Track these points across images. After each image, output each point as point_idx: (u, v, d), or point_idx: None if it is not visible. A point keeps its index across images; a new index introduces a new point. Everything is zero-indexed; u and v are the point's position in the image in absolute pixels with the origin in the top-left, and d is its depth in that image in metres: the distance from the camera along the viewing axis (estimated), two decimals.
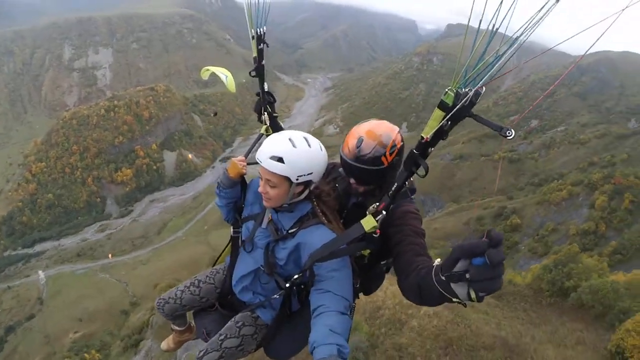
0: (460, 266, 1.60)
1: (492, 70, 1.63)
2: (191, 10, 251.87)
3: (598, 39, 1.36)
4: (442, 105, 1.76)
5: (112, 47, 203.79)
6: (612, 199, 72.91)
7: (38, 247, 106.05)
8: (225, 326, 3.07)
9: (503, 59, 1.62)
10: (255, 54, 3.34)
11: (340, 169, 2.96)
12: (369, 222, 2.28)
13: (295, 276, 2.56)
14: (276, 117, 3.58)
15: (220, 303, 3.40)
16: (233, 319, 3.09)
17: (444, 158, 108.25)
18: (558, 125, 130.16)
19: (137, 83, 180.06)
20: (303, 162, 2.50)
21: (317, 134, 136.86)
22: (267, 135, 3.08)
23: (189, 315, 3.80)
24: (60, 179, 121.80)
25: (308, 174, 2.54)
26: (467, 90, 1.70)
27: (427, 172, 2.00)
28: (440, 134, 1.84)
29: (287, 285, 2.62)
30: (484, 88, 1.67)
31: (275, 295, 2.79)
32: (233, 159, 3.00)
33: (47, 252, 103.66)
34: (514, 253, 63.73)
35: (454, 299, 1.68)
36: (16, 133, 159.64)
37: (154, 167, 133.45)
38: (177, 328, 3.94)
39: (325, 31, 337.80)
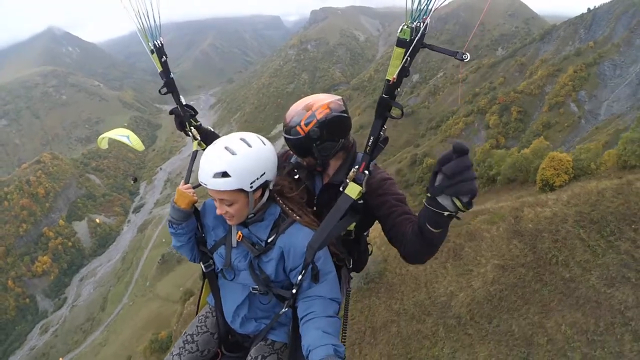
0: (438, 179, 1.73)
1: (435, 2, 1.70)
2: (50, 65, 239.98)
3: None
4: (401, 42, 1.81)
5: None
6: (502, 115, 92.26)
7: None
8: None
9: None
10: (160, 68, 2.95)
11: (294, 158, 2.86)
12: (353, 189, 2.23)
13: (299, 277, 2.36)
14: (201, 126, 3.21)
15: (224, 347, 3.00)
16: (250, 357, 2.73)
17: None
18: (436, 72, 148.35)
19: (19, 162, 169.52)
20: (250, 167, 2.28)
21: None
22: (202, 150, 2.64)
23: None
24: None
25: (261, 176, 2.32)
26: (418, 23, 1.78)
27: (403, 112, 2.04)
28: (403, 71, 1.87)
29: (294, 291, 2.41)
30: (429, 19, 1.75)
31: (282, 311, 2.51)
32: (178, 188, 2.66)
33: None
34: None
35: (445, 212, 1.77)
36: None
37: (69, 244, 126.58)
38: None
39: (193, 49, 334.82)
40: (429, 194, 1.79)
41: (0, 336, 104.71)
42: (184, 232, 2.71)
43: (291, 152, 2.78)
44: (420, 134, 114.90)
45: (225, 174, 2.20)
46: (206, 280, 3.00)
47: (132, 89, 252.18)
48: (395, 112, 2.05)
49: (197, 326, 3.01)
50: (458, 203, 1.71)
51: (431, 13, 1.72)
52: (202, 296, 3.16)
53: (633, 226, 16.26)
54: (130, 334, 78.77)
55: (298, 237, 2.41)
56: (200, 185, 2.49)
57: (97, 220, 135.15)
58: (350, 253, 2.82)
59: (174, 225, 2.68)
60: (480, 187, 22.39)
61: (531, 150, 41.40)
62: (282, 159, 2.91)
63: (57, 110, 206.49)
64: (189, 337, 2.96)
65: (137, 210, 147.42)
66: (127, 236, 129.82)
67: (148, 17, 2.75)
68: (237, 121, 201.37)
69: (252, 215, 2.47)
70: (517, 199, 19.54)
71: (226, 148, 2.25)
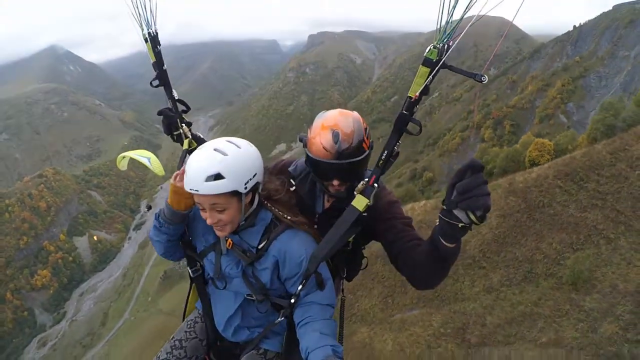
0: (454, 193, 1.73)
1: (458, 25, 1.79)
2: (52, 83, 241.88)
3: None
4: (427, 62, 1.88)
5: None
6: (496, 129, 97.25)
7: None
8: None
9: (468, 15, 1.70)
10: (153, 58, 2.84)
11: (292, 168, 2.84)
12: (361, 201, 2.25)
13: (299, 287, 2.34)
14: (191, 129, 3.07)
15: (213, 354, 2.96)
16: None
17: None
18: (432, 92, 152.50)
19: (18, 176, 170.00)
20: (243, 167, 2.21)
21: None
22: (192, 151, 2.60)
23: None
24: None
25: (253, 176, 2.26)
26: (444, 44, 1.86)
27: (421, 129, 2.11)
28: (425, 90, 1.94)
29: (293, 301, 2.38)
30: (452, 42, 1.85)
31: (278, 320, 2.49)
32: (172, 183, 2.43)
33: None
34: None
35: (460, 224, 1.78)
36: None
37: (70, 259, 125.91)
38: None
39: (192, 72, 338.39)
40: (444, 207, 1.82)
41: None
42: (167, 233, 2.55)
43: (292, 163, 2.88)
44: (418, 151, 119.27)
45: (218, 176, 2.11)
46: (193, 285, 2.95)
47: (132, 110, 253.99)
48: (413, 129, 2.13)
49: (185, 331, 2.94)
50: (472, 217, 1.73)
51: (458, 39, 1.84)
52: (189, 301, 3.11)
53: (596, 171, 22.75)
54: (133, 348, 77.56)
55: (293, 245, 2.37)
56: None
57: (95, 238, 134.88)
58: (344, 263, 2.85)
59: (162, 222, 2.50)
60: None
61: (521, 144, 49.48)
62: (280, 164, 2.95)
63: (58, 127, 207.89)
64: (177, 342, 2.90)
65: (138, 227, 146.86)
66: (128, 252, 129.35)
67: (145, 7, 2.74)
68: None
69: (243, 221, 2.40)
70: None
71: (216, 150, 2.17)
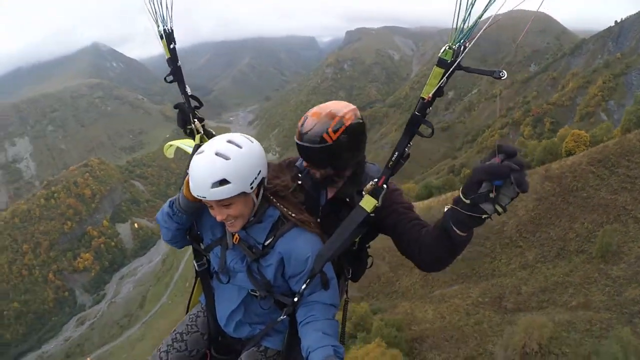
0: (484, 187, 1.69)
1: (476, 27, 1.76)
2: (96, 78, 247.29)
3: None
4: (442, 63, 1.85)
5: (27, 135, 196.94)
6: (535, 126, 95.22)
7: None
8: None
9: (485, 16, 1.69)
10: (168, 55, 2.92)
11: (299, 162, 2.85)
12: (369, 202, 2.23)
13: (304, 285, 2.34)
14: (205, 125, 3.09)
15: (214, 349, 2.95)
16: None
17: (384, 148, 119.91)
18: (471, 89, 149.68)
19: (63, 166, 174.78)
20: (246, 168, 2.21)
21: None
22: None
23: None
24: (20, 284, 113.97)
25: (258, 174, 2.27)
26: (459, 45, 1.82)
27: (433, 131, 2.06)
28: (438, 91, 1.91)
29: (296, 299, 2.38)
30: (468, 42, 1.82)
31: (281, 318, 2.50)
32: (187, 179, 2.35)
33: None
34: None
35: (484, 216, 1.75)
36: None
37: (112, 244, 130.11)
38: None
39: (231, 68, 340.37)
40: (468, 200, 1.75)
41: (36, 325, 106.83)
42: (178, 222, 2.56)
43: (299, 159, 2.84)
44: (456, 148, 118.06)
45: (223, 182, 2.12)
46: (198, 279, 2.96)
47: (172, 104, 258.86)
48: (424, 130, 2.08)
49: (187, 325, 2.94)
50: (500, 209, 1.69)
51: (474, 40, 1.79)
52: (193, 294, 3.11)
53: (626, 158, 24.22)
54: (168, 330, 79.28)
55: (299, 243, 2.37)
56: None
57: (137, 225, 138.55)
58: (350, 263, 2.82)
59: (175, 210, 2.50)
60: None
61: (558, 137, 50.97)
62: (285, 163, 2.97)
63: (102, 120, 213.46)
64: (178, 335, 2.89)
65: None
66: None
67: (161, 4, 2.78)
68: (275, 137, 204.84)
69: (252, 217, 2.40)
70: None
71: (217, 154, 2.15)
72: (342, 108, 2.50)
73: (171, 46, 2.88)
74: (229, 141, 2.22)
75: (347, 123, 2.44)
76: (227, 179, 2.10)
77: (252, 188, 2.21)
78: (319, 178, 2.61)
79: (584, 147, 37.85)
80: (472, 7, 1.68)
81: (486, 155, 1.72)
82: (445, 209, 1.97)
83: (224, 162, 2.12)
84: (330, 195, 2.73)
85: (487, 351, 18.19)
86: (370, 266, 2.97)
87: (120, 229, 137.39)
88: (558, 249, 24.32)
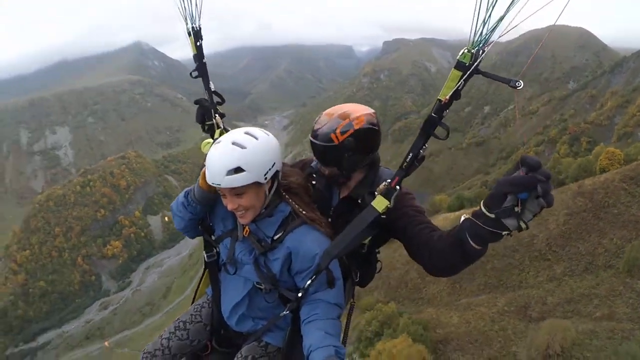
0: (509, 200, 1.63)
1: (496, 31, 1.73)
2: (137, 75, 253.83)
3: (561, 13, 1.54)
4: (460, 65, 1.84)
5: (68, 124, 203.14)
6: (572, 145, 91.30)
7: (41, 339, 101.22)
8: None
9: (506, 19, 1.67)
10: (194, 51, 3.02)
11: (314, 163, 2.86)
12: (381, 203, 2.21)
13: (309, 282, 2.34)
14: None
15: (215, 341, 2.98)
16: (239, 356, 2.69)
17: None
18: (507, 105, 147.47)
19: (101, 156, 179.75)
20: (262, 158, 2.26)
21: None
22: None
23: None
24: (49, 264, 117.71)
25: (272, 166, 2.31)
26: (478, 49, 1.81)
27: (448, 133, 2.04)
28: (455, 94, 1.90)
29: (300, 295, 2.38)
30: (487, 47, 1.80)
31: (283, 313, 2.49)
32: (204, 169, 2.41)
33: (52, 342, 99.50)
34: None
35: (504, 232, 1.70)
36: None
37: (142, 234, 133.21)
38: None
39: (269, 73, 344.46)
40: (492, 215, 1.69)
41: (59, 305, 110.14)
42: (192, 212, 2.60)
43: (314, 160, 2.86)
44: (490, 164, 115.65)
45: (238, 170, 2.16)
46: (206, 270, 2.98)
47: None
48: (440, 132, 2.05)
49: (191, 314, 2.96)
50: (524, 226, 1.64)
51: (490, 45, 1.78)
52: (200, 285, 3.15)
53: None
54: None
55: (307, 240, 2.38)
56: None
57: (167, 218, 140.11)
58: (358, 266, 2.81)
59: (190, 200, 2.56)
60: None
61: (593, 154, 50.78)
62: (300, 164, 2.99)
63: (142, 116, 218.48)
64: (181, 323, 2.92)
65: None
66: None
67: (191, 1, 2.87)
68: (309, 143, 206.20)
69: (263, 210, 2.43)
70: None
71: (234, 143, 2.21)
72: (357, 111, 2.55)
73: (198, 43, 3.01)
74: (247, 132, 2.29)
75: (356, 127, 2.48)
76: (242, 167, 2.16)
77: (265, 179, 2.28)
78: (327, 176, 2.68)
79: (618, 165, 37.70)
80: (491, 10, 1.64)
81: (510, 168, 1.66)
82: (462, 219, 1.96)
83: (240, 150, 2.18)
84: (342, 195, 2.76)
85: (511, 353, 18.51)
86: (379, 271, 3.01)
87: (151, 221, 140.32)
88: (586, 263, 24.39)
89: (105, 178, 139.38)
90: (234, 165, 2.15)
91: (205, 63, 3.06)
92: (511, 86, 1.73)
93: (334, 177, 2.64)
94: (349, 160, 2.54)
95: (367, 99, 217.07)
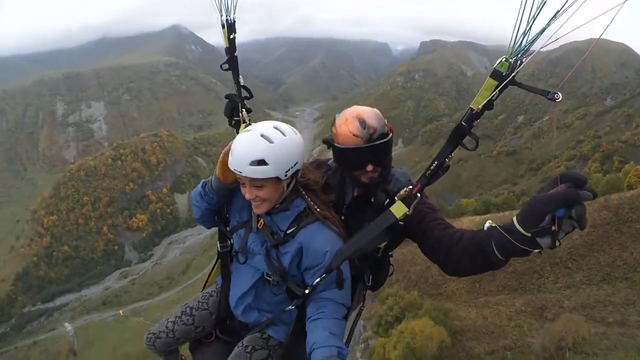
0: (547, 220, 1.53)
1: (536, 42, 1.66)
2: (175, 58, 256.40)
3: (608, 26, 1.42)
4: (496, 75, 1.76)
5: (103, 99, 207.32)
6: (604, 163, 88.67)
7: (59, 301, 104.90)
8: (233, 354, 2.68)
9: (547, 31, 1.60)
10: (227, 44, 2.99)
11: (330, 162, 2.84)
12: (400, 209, 2.15)
13: (317, 279, 2.31)
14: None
15: (219, 329, 3.00)
16: (240, 345, 2.69)
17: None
18: (542, 116, 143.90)
19: (133, 132, 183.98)
20: (286, 156, 2.25)
21: None
22: None
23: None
24: (74, 230, 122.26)
25: (294, 165, 2.30)
26: (516, 59, 1.74)
27: (477, 144, 1.95)
28: (488, 104, 1.83)
29: (307, 292, 2.37)
30: (525, 58, 1.73)
31: (289, 308, 2.51)
32: (222, 158, 2.42)
33: (69, 304, 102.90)
34: None
35: (536, 250, 1.65)
36: (17, 191, 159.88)
37: (168, 211, 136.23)
38: None
39: (303, 64, 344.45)
40: (529, 234, 1.58)
41: (80, 270, 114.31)
42: (209, 202, 2.62)
43: (329, 160, 2.86)
44: (519, 174, 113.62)
45: (262, 162, 2.16)
46: (218, 260, 2.98)
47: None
48: (469, 143, 1.99)
49: (199, 301, 2.99)
50: (558, 244, 1.56)
51: (530, 56, 1.71)
52: (212, 274, 3.16)
53: None
54: None
55: (319, 237, 2.38)
56: None
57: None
58: (370, 269, 2.77)
59: (207, 190, 2.57)
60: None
61: (623, 172, 51.56)
62: (315, 163, 2.93)
63: (176, 97, 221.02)
64: (188, 309, 2.96)
65: None
66: None
67: None
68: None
69: (280, 203, 2.43)
70: None
71: (263, 135, 2.20)
72: (366, 107, 2.58)
73: (231, 36, 2.97)
74: (275, 127, 2.28)
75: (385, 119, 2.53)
76: (266, 160, 2.17)
77: (286, 176, 2.28)
78: (379, 177, 2.54)
79: None
80: (532, 23, 1.61)
81: (547, 184, 1.61)
82: (486, 226, 1.90)
83: (267, 144, 2.18)
84: (356, 194, 2.73)
85: (525, 344, 19.38)
86: (391, 274, 3.00)
87: (177, 199, 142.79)
88: (604, 274, 24.99)
89: (136, 153, 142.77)
90: (259, 157, 2.16)
91: (236, 57, 3.05)
92: (549, 98, 1.66)
93: (376, 179, 2.54)
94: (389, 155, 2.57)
95: (400, 98, 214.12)
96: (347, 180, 2.69)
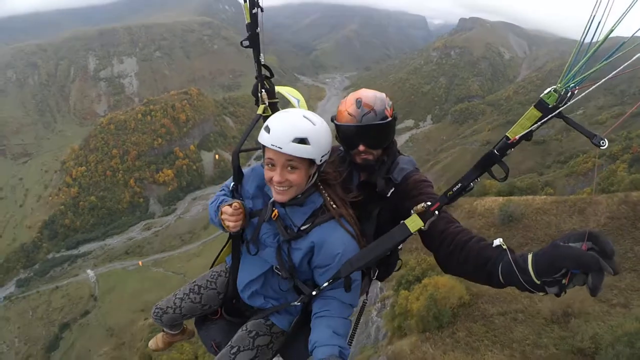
0: (561, 273, 1.52)
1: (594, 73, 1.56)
2: (207, 17, 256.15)
3: None
4: (541, 106, 1.64)
5: (135, 56, 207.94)
6: (632, 166, 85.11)
7: (83, 248, 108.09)
8: (237, 336, 2.71)
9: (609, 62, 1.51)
10: (248, 20, 2.75)
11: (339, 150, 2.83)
12: (415, 223, 2.07)
13: (325, 284, 2.30)
14: (276, 102, 3.06)
15: (225, 309, 3.04)
16: (244, 328, 2.72)
17: (473, 145, 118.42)
18: (576, 109, 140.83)
19: (164, 89, 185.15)
20: (325, 140, 2.24)
21: None
22: (266, 117, 2.70)
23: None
24: (102, 181, 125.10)
25: (327, 153, 2.29)
26: (567, 90, 1.61)
27: (507, 176, 1.84)
28: (527, 135, 1.71)
29: (314, 293, 2.36)
30: (577, 89, 1.59)
31: (294, 303, 2.50)
32: (224, 208, 2.40)
33: (93, 252, 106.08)
34: None
35: (540, 294, 1.62)
36: (48, 142, 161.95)
37: (194, 167, 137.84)
38: (170, 332, 3.58)
39: (336, 31, 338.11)
40: (539, 282, 1.57)
41: (106, 219, 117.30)
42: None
43: (339, 147, 2.81)
44: (546, 164, 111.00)
45: (304, 141, 2.13)
46: (229, 241, 2.91)
47: (275, 55, 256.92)
48: (497, 172, 1.88)
49: (207, 280, 3.00)
50: (564, 294, 1.54)
51: (587, 90, 1.59)
52: (221, 253, 3.13)
53: None
54: (224, 253, 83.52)
55: (333, 237, 2.33)
56: (255, 149, 2.60)
57: (217, 157, 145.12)
58: (378, 265, 2.78)
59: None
60: None
61: None
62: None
63: (207, 56, 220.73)
64: (196, 287, 2.99)
65: (258, 158, 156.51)
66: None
67: None
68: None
69: (299, 196, 2.38)
70: None
71: (305, 117, 2.20)
72: (374, 91, 2.60)
73: (253, 11, 2.74)
74: (312, 114, 2.29)
75: (389, 101, 2.58)
76: (309, 140, 2.15)
77: (320, 161, 2.27)
78: (373, 160, 2.61)
79: None
80: (594, 52, 1.48)
81: (571, 234, 1.54)
82: (496, 243, 1.86)
83: (310, 124, 2.20)
84: (362, 179, 2.74)
85: (535, 309, 20.32)
86: (399, 269, 2.98)
87: (204, 156, 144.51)
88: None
89: (166, 110, 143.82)
90: (303, 135, 2.15)
91: (258, 34, 2.82)
92: (594, 143, 1.56)
93: (380, 159, 2.65)
94: (393, 135, 2.61)
95: (433, 74, 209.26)
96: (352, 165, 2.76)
